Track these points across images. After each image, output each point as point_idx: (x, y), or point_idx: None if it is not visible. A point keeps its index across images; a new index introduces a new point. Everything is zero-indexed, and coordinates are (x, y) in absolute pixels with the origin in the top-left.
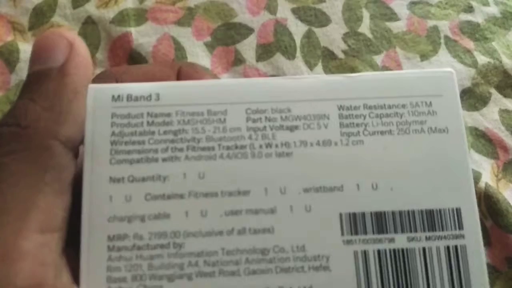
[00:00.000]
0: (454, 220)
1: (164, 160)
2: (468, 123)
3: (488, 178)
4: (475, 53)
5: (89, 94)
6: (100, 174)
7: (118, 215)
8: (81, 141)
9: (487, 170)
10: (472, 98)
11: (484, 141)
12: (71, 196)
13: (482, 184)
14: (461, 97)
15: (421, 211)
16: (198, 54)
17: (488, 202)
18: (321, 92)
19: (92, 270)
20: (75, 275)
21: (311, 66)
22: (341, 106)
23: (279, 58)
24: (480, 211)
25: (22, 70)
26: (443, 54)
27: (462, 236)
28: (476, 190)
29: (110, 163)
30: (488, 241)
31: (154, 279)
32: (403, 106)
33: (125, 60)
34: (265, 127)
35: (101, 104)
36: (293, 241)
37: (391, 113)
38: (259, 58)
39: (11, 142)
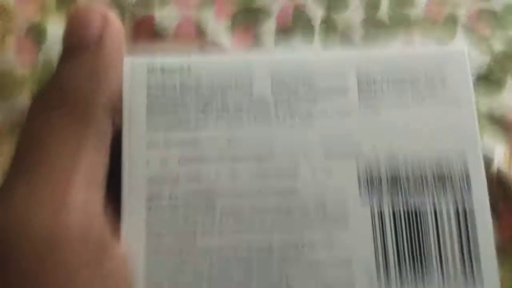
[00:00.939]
0: (464, 184)
1: (196, 126)
2: (483, 109)
3: (500, 163)
4: (491, 41)
5: (125, 66)
6: (138, 140)
7: (155, 176)
8: (117, 108)
9: (499, 155)
10: (487, 84)
11: (498, 126)
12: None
13: (494, 169)
14: (476, 83)
15: (433, 175)
16: (219, 36)
17: (499, 186)
18: (342, 65)
19: (132, 225)
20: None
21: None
22: (360, 78)
23: (297, 41)
24: (492, 194)
25: (49, 50)
26: (460, 40)
27: (471, 199)
28: (488, 175)
29: (147, 130)
30: (497, 223)
31: (189, 233)
32: (418, 79)
33: (151, 37)
34: (288, 98)
35: (137, 75)
36: (314, 200)
37: (407, 86)
38: (278, 39)
39: (56, 105)
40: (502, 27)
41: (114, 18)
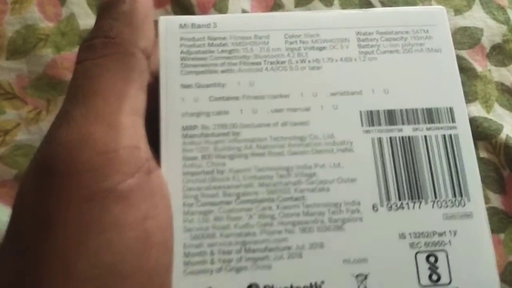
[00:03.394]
0: (448, 116)
1: (222, 71)
2: (495, 78)
3: (509, 130)
4: (508, 10)
5: (161, 23)
6: (174, 81)
7: (189, 111)
8: (151, 54)
9: (509, 123)
10: (501, 54)
11: (509, 96)
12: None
13: (503, 136)
14: (491, 52)
15: (422, 109)
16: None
17: (507, 153)
18: (343, 21)
19: (170, 151)
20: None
21: None
22: (358, 32)
23: (317, 4)
24: (499, 161)
25: (73, 4)
26: (477, 9)
27: (455, 128)
28: (497, 141)
29: (181, 73)
30: (503, 189)
31: (219, 157)
32: (407, 32)
33: (169, 0)
34: (299, 47)
35: (171, 30)
36: (324, 130)
37: (398, 37)
38: (297, 4)
39: (103, 49)
40: None
41: None
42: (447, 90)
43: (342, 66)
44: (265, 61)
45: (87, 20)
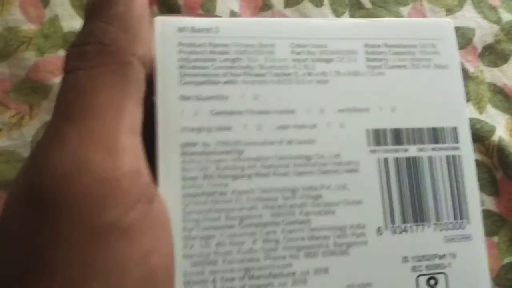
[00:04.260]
0: (452, 136)
1: (225, 82)
2: (487, 79)
3: (502, 132)
4: (500, 10)
5: (157, 25)
6: (171, 93)
7: (189, 126)
8: (149, 62)
9: (502, 124)
10: (493, 54)
11: (501, 96)
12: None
13: (496, 138)
14: (483, 53)
15: (428, 129)
16: None
17: (500, 155)
18: (351, 32)
19: (168, 170)
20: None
21: (338, 15)
22: (366, 44)
23: (306, 4)
24: (492, 163)
25: (56, 5)
26: (468, 9)
27: (458, 148)
28: (489, 143)
29: (179, 83)
30: (496, 191)
31: (221, 177)
32: (414, 46)
33: (156, 1)
34: (306, 59)
35: (169, 34)
36: (330, 150)
37: (406, 51)
38: (287, 4)
39: (97, 58)
40: None
41: None
42: (452, 109)
43: (350, 80)
44: (270, 72)
45: (71, 22)
